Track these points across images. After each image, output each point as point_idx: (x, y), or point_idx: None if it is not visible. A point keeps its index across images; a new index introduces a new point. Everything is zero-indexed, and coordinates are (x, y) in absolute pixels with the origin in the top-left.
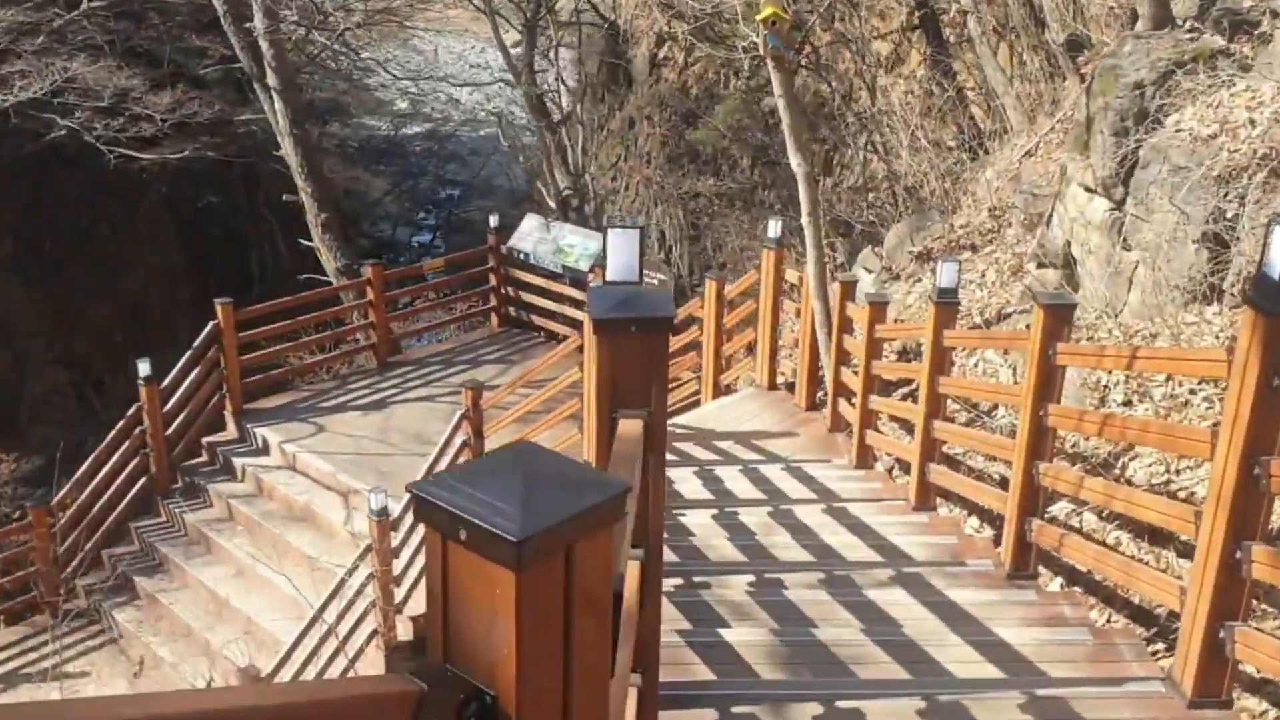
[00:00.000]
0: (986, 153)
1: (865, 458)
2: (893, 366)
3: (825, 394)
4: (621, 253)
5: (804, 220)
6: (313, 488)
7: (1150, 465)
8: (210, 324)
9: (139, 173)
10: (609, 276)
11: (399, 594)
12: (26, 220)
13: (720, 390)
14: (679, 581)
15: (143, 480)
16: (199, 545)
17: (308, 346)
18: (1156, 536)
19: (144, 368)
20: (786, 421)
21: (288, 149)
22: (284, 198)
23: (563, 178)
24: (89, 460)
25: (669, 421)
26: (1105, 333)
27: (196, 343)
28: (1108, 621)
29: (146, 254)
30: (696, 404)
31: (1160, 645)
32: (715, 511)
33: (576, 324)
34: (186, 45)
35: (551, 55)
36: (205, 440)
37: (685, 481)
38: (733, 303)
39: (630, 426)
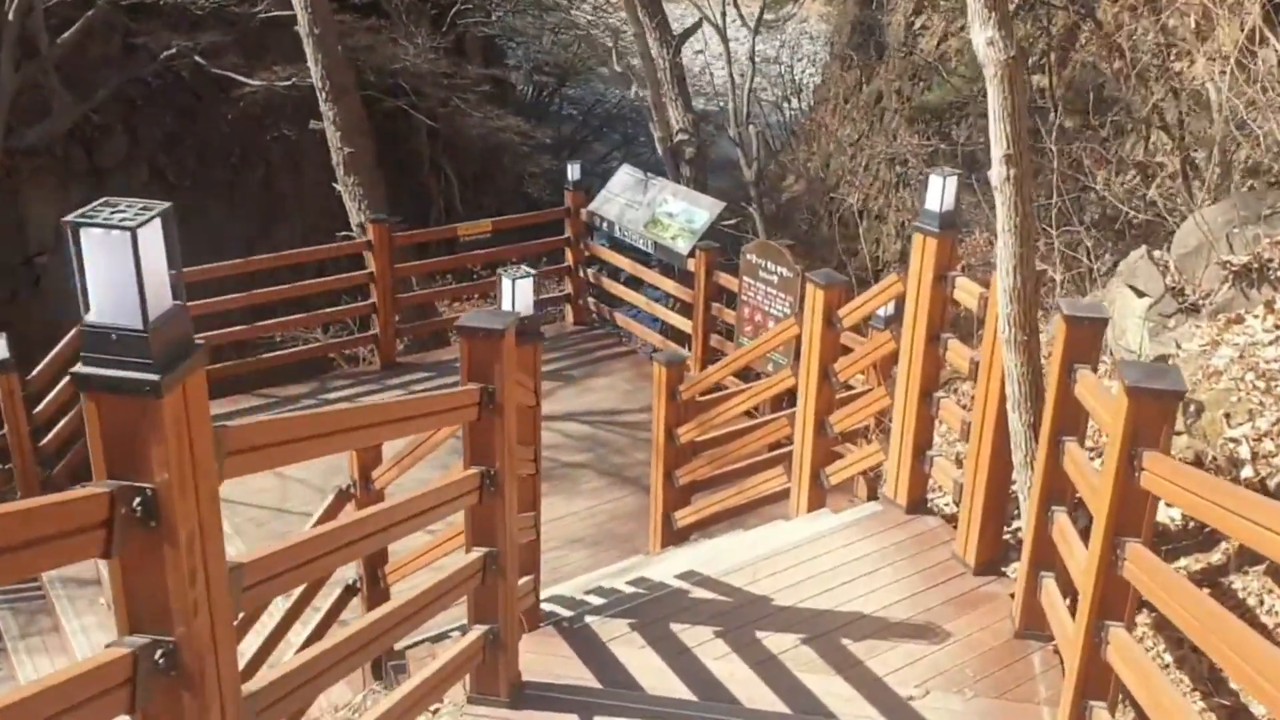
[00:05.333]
0: None
1: None
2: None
3: (1018, 544)
4: (521, 294)
5: (994, 176)
6: None
7: None
8: None
9: (304, 110)
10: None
11: None
12: (168, 152)
13: (821, 496)
14: None
15: None
16: (48, 617)
17: (271, 332)
18: None
19: None
20: (928, 594)
21: (308, 52)
22: (310, 124)
23: (677, 115)
24: None
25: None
26: None
27: None
28: None
29: (308, 203)
30: (781, 508)
31: None
32: None
33: (677, 336)
34: None
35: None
36: None
37: None
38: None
39: None
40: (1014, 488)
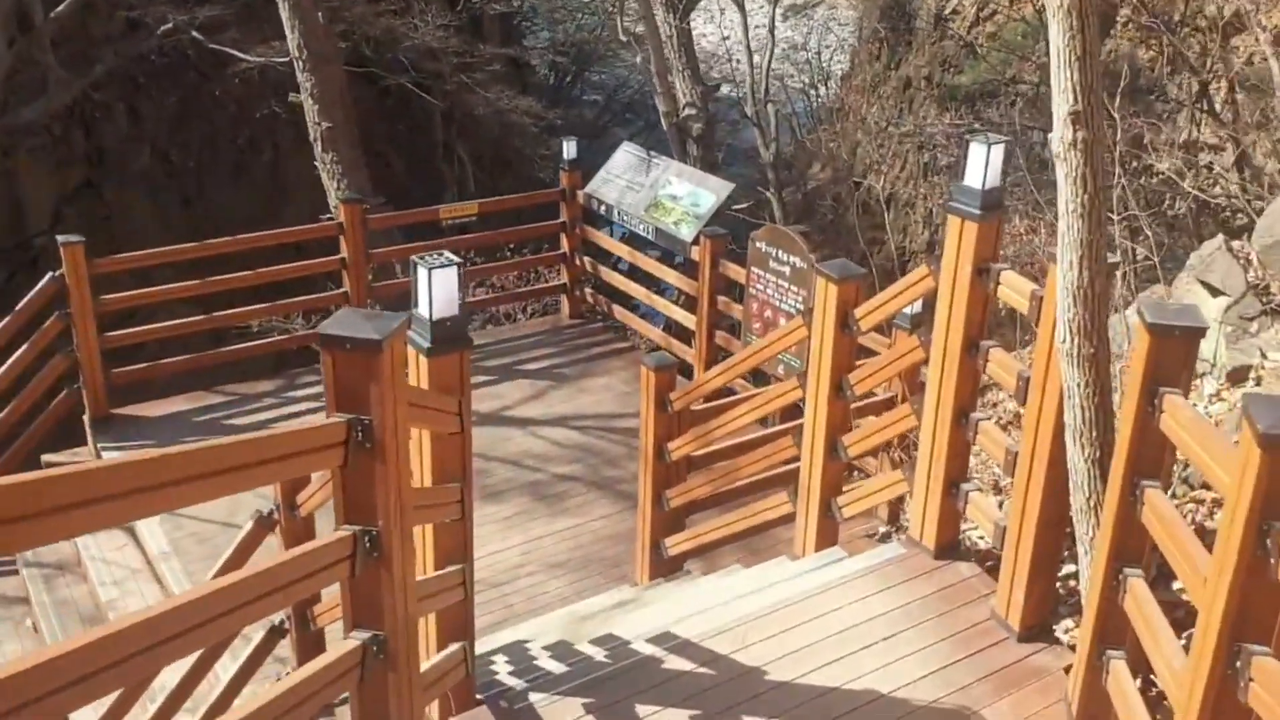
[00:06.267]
0: None
1: None
2: None
3: (1074, 611)
4: (441, 289)
5: (1056, 140)
6: (132, 576)
7: None
8: (47, 276)
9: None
10: (435, 316)
11: None
12: (173, 133)
13: (832, 530)
14: None
15: None
16: None
17: (236, 322)
18: None
19: None
20: (961, 667)
21: (284, 17)
22: (289, 97)
23: (684, 88)
24: None
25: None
26: None
27: (23, 302)
28: None
29: (318, 185)
30: (790, 530)
31: None
32: None
33: (683, 332)
34: None
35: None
36: (45, 459)
37: None
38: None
39: None
40: (1070, 536)
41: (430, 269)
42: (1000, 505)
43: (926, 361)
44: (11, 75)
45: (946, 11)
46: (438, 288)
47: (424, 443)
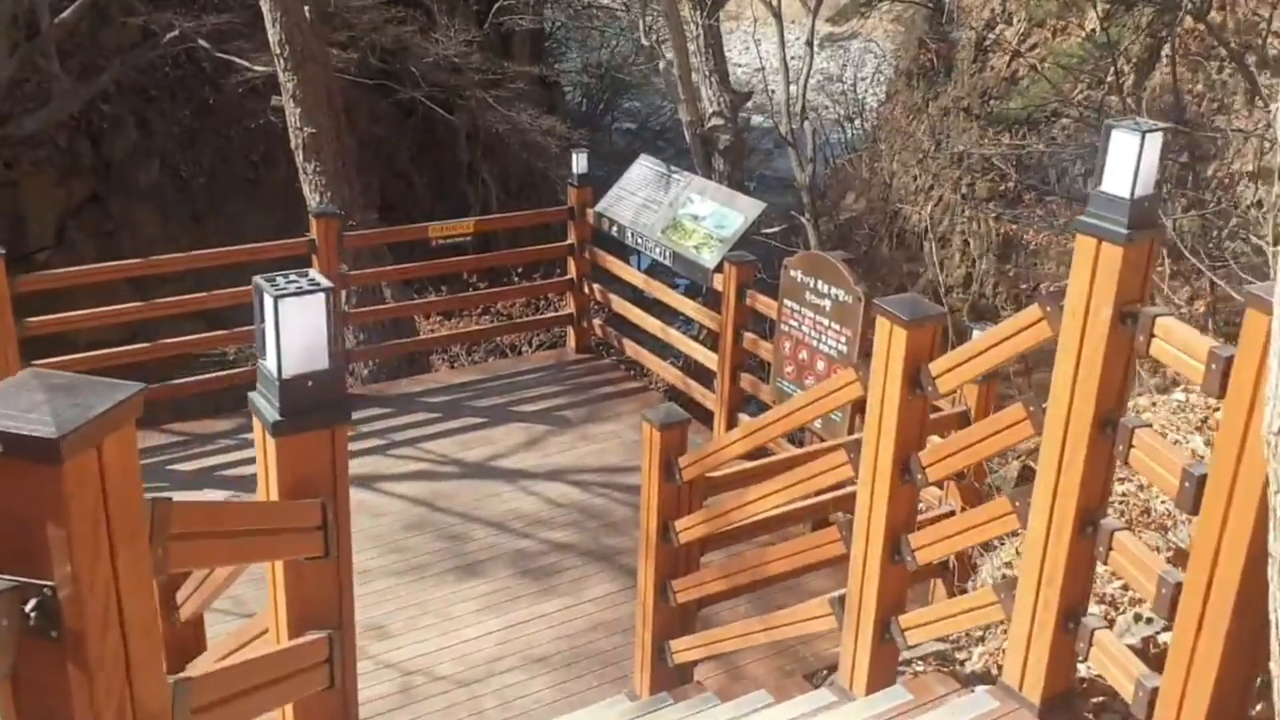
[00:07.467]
0: None
1: None
2: None
3: None
4: (298, 329)
5: None
6: None
7: None
8: None
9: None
10: (287, 372)
11: None
12: (184, 147)
13: (891, 659)
14: None
15: None
16: None
17: (182, 351)
18: None
19: None
20: None
21: (265, 11)
22: (272, 101)
23: (712, 95)
24: None
25: None
26: None
27: None
28: None
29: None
30: (824, 623)
31: None
32: None
33: (703, 372)
34: None
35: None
36: None
37: None
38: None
39: None
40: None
41: (277, 297)
42: (1113, 624)
43: (1036, 436)
44: (17, 84)
45: (988, 42)
46: (290, 326)
47: (275, 577)
